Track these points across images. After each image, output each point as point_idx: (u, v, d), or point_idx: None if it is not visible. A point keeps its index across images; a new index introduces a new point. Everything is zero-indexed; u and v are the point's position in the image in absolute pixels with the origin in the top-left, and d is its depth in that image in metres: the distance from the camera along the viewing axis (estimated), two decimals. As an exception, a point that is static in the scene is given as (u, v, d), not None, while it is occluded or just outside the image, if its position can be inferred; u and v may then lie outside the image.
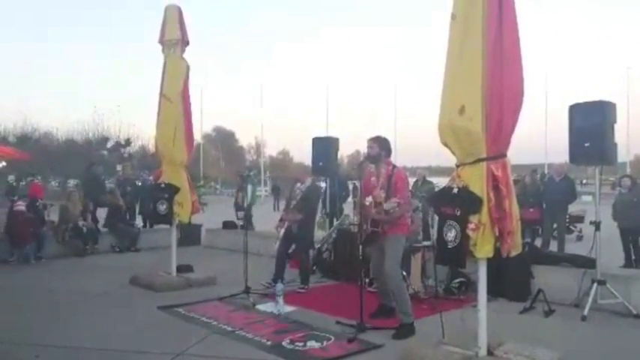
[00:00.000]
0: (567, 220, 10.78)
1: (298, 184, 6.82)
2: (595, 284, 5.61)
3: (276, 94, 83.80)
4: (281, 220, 6.79)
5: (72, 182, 29.81)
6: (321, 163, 9.00)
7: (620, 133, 6.20)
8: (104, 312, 5.78)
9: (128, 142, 36.98)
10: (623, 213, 8.18)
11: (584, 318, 5.36)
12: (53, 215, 10.56)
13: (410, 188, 6.39)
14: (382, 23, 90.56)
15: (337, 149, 9.22)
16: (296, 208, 6.64)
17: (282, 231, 6.62)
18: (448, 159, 4.02)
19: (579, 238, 11.91)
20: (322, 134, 10.70)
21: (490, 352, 3.84)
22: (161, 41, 7.21)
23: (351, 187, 12.28)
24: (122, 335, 4.87)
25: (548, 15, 71.56)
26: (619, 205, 8.30)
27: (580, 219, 12.09)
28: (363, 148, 5.26)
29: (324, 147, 9.04)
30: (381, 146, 5.14)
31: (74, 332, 4.96)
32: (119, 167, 26.32)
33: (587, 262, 6.02)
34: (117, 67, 77.44)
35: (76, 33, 79.34)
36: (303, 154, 52.38)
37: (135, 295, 6.50)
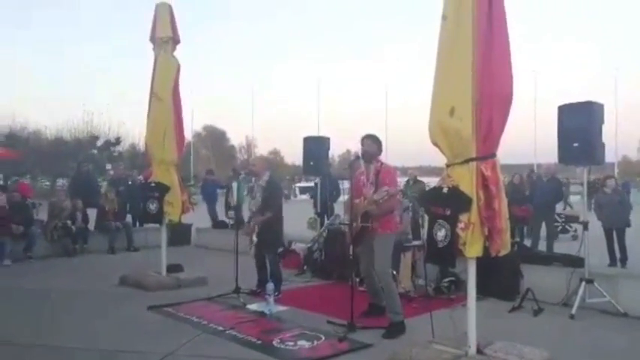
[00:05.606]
0: (563, 220, 10.86)
1: (253, 179, 6.35)
2: (583, 283, 5.66)
3: (269, 93, 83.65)
4: (248, 222, 6.43)
5: (61, 181, 29.57)
6: (312, 163, 9.01)
7: (609, 134, 6.26)
8: (93, 311, 5.74)
9: (118, 141, 36.71)
10: (608, 213, 8.27)
11: (572, 317, 5.41)
12: (42, 215, 10.47)
13: (399, 186, 6.36)
14: (373, 23, 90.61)
15: (328, 148, 9.23)
16: (260, 210, 6.18)
17: (255, 236, 6.17)
18: (439, 159, 4.05)
19: (574, 237, 11.97)
20: (314, 134, 10.68)
21: (480, 351, 3.86)
22: (152, 39, 7.16)
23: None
24: (111, 335, 4.85)
25: (538, 15, 72.18)
26: (603, 206, 8.38)
27: (575, 218, 12.17)
28: (355, 148, 5.25)
29: (315, 146, 9.05)
30: (377, 144, 5.15)
31: (62, 332, 4.92)
32: (109, 166, 26.12)
33: (576, 262, 6.07)
34: (107, 65, 76.89)
35: (65, 32, 78.72)
36: (294, 154, 52.40)
37: (125, 295, 6.46)
